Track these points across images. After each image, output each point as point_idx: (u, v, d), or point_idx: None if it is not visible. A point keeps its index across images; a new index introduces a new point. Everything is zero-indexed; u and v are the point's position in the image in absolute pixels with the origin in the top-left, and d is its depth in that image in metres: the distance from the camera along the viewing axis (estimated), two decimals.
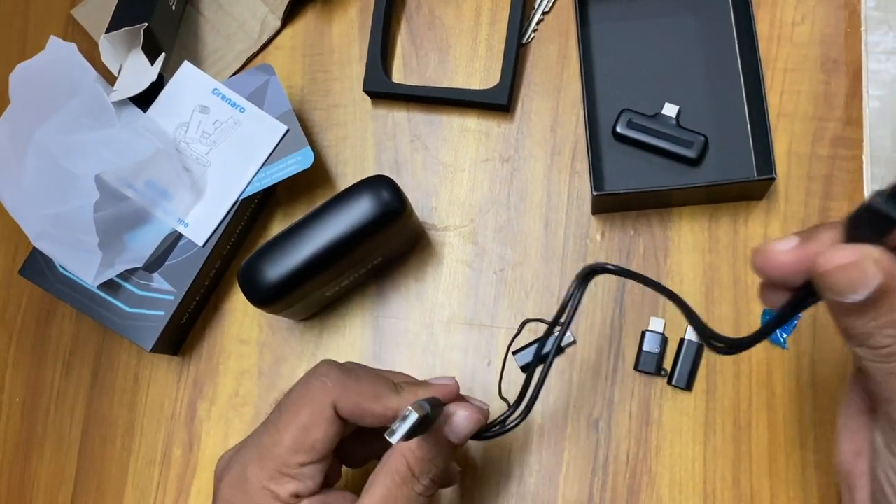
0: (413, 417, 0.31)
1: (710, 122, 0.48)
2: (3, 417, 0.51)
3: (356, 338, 0.50)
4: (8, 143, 0.48)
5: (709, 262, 0.47)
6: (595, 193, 0.46)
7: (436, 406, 0.34)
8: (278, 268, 0.43)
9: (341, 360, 0.49)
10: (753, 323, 0.46)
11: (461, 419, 0.36)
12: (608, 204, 0.48)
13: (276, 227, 0.51)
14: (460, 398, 0.38)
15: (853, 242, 0.26)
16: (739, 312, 0.47)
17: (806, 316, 0.46)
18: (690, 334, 0.46)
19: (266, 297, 0.44)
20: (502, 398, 0.47)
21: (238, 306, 0.51)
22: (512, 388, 0.47)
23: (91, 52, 0.50)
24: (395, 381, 0.37)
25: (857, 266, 0.25)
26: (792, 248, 0.28)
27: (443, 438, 0.36)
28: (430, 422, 0.34)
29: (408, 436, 0.31)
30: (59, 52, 0.48)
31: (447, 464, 0.36)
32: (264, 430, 0.36)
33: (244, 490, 0.35)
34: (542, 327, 0.48)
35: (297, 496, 0.34)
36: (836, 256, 0.26)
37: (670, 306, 0.46)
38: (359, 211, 0.43)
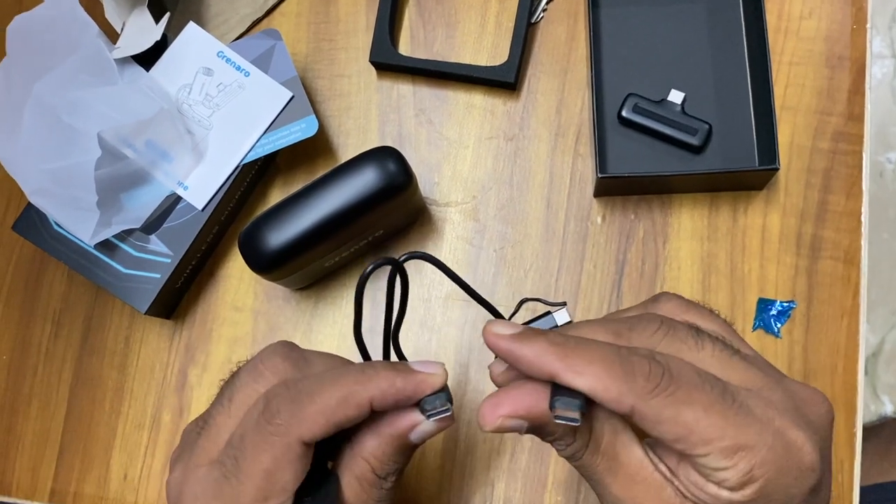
0: (447, 409, 0.31)
1: (714, 111, 0.49)
2: None
3: (352, 309, 0.49)
4: (4, 97, 0.47)
5: (707, 250, 0.48)
6: (599, 176, 0.46)
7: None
8: (281, 234, 0.43)
9: (335, 333, 0.49)
10: (748, 311, 0.47)
11: (426, 426, 0.32)
12: (611, 187, 0.48)
13: (276, 195, 0.51)
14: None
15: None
16: (735, 301, 0.47)
17: (800, 305, 0.47)
18: None
19: (266, 264, 0.43)
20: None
21: (234, 272, 0.50)
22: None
23: (93, 8, 0.49)
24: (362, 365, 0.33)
25: (501, 426, 0.30)
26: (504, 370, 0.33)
27: (406, 439, 0.32)
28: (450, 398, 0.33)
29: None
30: (59, 5, 0.47)
31: (409, 459, 0.33)
32: (222, 479, 0.30)
33: None
34: (540, 306, 0.48)
35: None
36: (484, 420, 0.30)
37: (668, 289, 0.47)
38: (364, 181, 0.43)
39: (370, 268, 0.33)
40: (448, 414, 0.32)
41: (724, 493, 0.28)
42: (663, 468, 0.30)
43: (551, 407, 0.28)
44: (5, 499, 0.49)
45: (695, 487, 0.29)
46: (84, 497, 0.48)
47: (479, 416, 0.30)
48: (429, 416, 0.32)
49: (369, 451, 0.32)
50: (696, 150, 0.48)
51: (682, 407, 0.28)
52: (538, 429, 0.30)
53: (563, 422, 0.28)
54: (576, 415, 0.28)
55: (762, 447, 0.28)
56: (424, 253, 0.35)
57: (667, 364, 0.28)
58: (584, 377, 0.28)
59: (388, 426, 0.32)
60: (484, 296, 0.48)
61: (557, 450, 0.31)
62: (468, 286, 0.35)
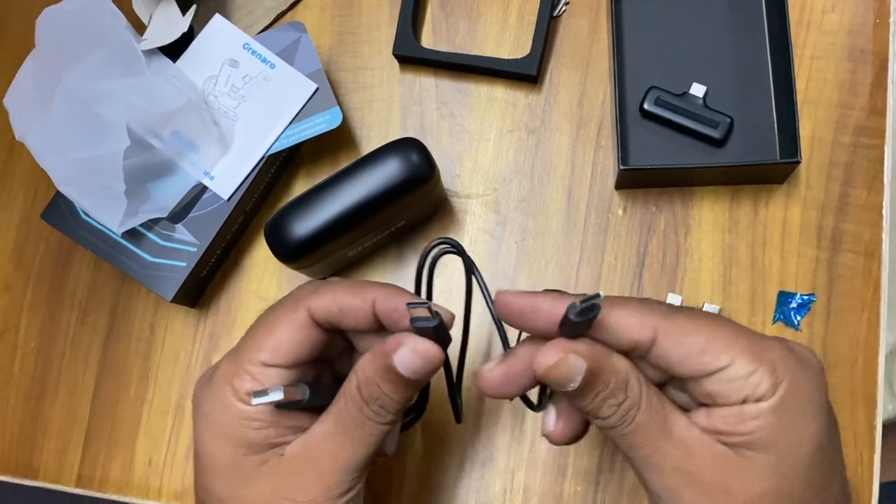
0: (431, 320, 0.31)
1: (735, 104, 0.49)
2: (17, 361, 0.51)
3: None
4: (32, 87, 0.48)
5: (728, 242, 0.48)
6: (621, 168, 0.46)
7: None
8: (306, 224, 0.43)
9: None
10: (769, 303, 0.47)
11: (406, 352, 0.32)
12: (632, 179, 0.48)
13: (300, 186, 0.51)
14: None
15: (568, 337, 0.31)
16: (755, 292, 0.47)
17: (821, 298, 0.47)
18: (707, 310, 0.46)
19: (292, 253, 0.44)
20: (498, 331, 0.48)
21: (258, 262, 0.51)
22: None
23: (120, 0, 0.50)
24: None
25: (563, 361, 0.30)
26: (494, 366, 0.32)
27: (391, 361, 0.32)
28: (444, 331, 0.32)
29: (427, 329, 0.31)
30: None
31: (401, 396, 0.32)
32: (245, 334, 0.35)
33: (211, 384, 0.34)
34: None
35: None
36: (544, 358, 0.30)
37: (689, 282, 0.47)
38: (388, 172, 0.43)
39: (433, 249, 0.34)
40: (432, 325, 0.31)
41: (763, 405, 0.29)
42: (702, 425, 0.30)
43: (566, 315, 0.29)
44: (33, 482, 0.50)
45: (734, 421, 0.30)
46: (110, 482, 0.49)
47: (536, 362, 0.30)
48: (413, 322, 0.31)
49: (359, 366, 0.33)
50: (718, 143, 0.48)
51: (699, 322, 0.30)
52: (587, 390, 0.30)
53: (583, 318, 0.29)
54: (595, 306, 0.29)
55: (775, 349, 0.30)
56: (468, 260, 0.35)
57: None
58: (609, 311, 0.31)
59: (378, 345, 0.32)
60: (505, 286, 0.49)
61: (605, 418, 0.31)
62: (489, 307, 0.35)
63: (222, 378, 0.33)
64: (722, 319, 0.31)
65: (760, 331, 0.45)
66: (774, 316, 0.47)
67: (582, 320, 0.29)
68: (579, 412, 0.33)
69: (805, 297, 0.47)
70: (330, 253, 0.45)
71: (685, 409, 0.32)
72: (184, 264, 0.47)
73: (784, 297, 0.47)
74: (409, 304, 0.32)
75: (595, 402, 0.30)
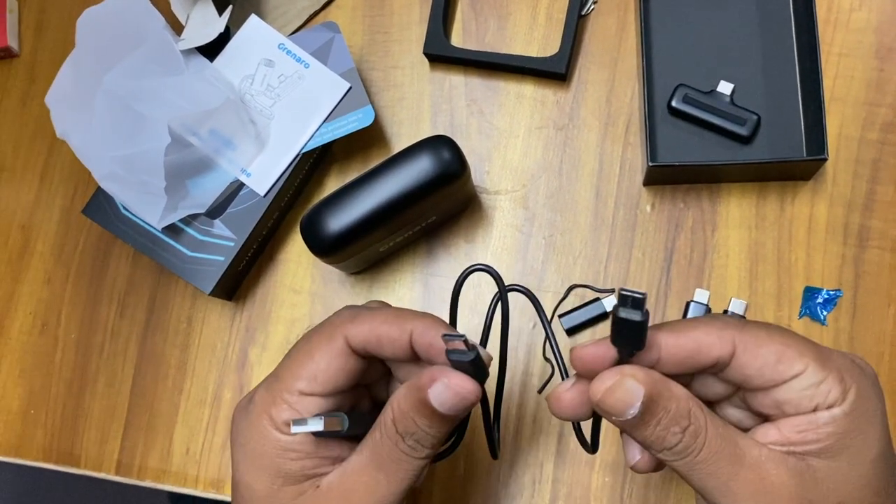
0: (470, 354, 0.30)
1: (763, 102, 0.49)
2: (58, 353, 0.53)
3: (405, 293, 0.51)
4: (73, 86, 0.49)
5: (755, 239, 0.48)
6: (650, 164, 0.46)
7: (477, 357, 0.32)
8: (341, 219, 0.44)
9: None
10: (795, 299, 0.47)
11: (441, 387, 0.31)
12: (661, 176, 0.49)
13: (332, 183, 0.52)
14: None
15: (623, 361, 0.30)
16: (782, 289, 0.48)
17: (846, 294, 0.47)
18: (734, 307, 0.47)
19: (326, 247, 0.45)
20: (546, 359, 0.48)
21: (292, 257, 0.52)
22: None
23: (158, 1, 0.51)
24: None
25: (619, 386, 0.29)
26: (570, 387, 0.32)
27: (426, 396, 0.31)
28: (481, 366, 0.32)
29: (463, 364, 0.30)
30: None
31: (436, 431, 0.32)
32: (282, 362, 0.35)
33: (248, 412, 0.34)
34: (589, 293, 0.49)
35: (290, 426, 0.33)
36: (601, 384, 0.29)
37: (716, 277, 0.48)
38: (420, 169, 0.44)
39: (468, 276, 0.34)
40: (467, 359, 0.31)
41: (835, 411, 0.29)
42: (772, 439, 0.30)
43: (615, 317, 0.29)
44: (74, 470, 0.51)
45: (807, 429, 0.30)
46: (148, 470, 0.51)
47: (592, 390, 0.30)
48: (449, 355, 0.31)
49: (394, 399, 0.32)
50: (745, 140, 0.48)
51: (772, 332, 0.31)
52: (648, 418, 0.29)
53: (626, 315, 0.28)
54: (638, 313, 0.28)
55: (838, 357, 0.30)
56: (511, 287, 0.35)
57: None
58: (686, 332, 0.31)
59: (414, 378, 0.32)
60: (533, 282, 0.49)
61: (671, 448, 0.30)
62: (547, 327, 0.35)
63: (259, 407, 0.33)
64: (787, 329, 0.31)
65: (787, 326, 0.46)
66: (800, 311, 0.47)
67: (629, 319, 0.28)
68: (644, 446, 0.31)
69: (831, 293, 0.47)
70: (363, 248, 0.46)
71: (742, 429, 0.32)
72: (222, 258, 0.48)
73: (810, 293, 0.47)
74: (444, 335, 0.31)
75: (658, 430, 0.30)
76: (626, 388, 0.29)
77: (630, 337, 0.29)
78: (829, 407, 0.30)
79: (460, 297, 0.50)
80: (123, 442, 0.51)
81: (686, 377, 0.33)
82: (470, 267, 0.34)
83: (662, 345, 0.31)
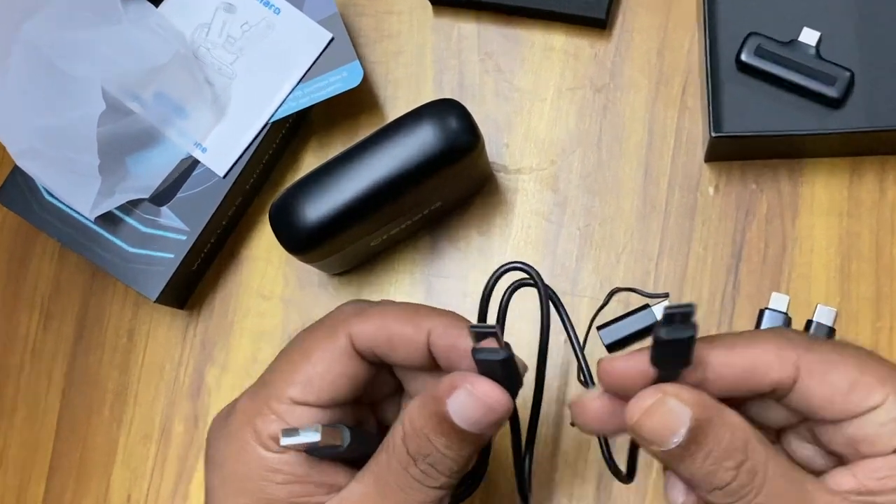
0: (500, 354, 0.30)
1: (857, 55, 0.49)
2: None
3: (402, 299, 0.50)
4: None
5: (846, 228, 0.48)
6: (713, 135, 0.46)
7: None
8: (320, 206, 0.44)
9: None
10: None
11: (463, 396, 0.31)
12: (726, 150, 0.49)
13: (309, 160, 0.52)
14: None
15: (665, 379, 0.30)
16: (881, 292, 0.47)
17: None
18: (821, 315, 0.47)
19: (302, 242, 0.45)
20: (581, 382, 0.48)
21: (260, 254, 0.52)
22: (594, 371, 0.48)
23: None
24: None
25: (660, 406, 0.29)
26: (598, 394, 0.32)
27: (444, 408, 0.31)
28: (513, 370, 0.32)
29: (492, 365, 0.30)
30: None
31: (456, 454, 0.32)
32: (271, 365, 0.35)
33: (227, 424, 0.34)
34: (636, 298, 0.49)
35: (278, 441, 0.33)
36: (638, 404, 0.29)
37: (797, 278, 0.48)
38: (421, 142, 0.44)
39: (500, 276, 0.34)
40: (499, 358, 0.31)
41: None
42: (847, 487, 0.30)
43: (656, 336, 0.29)
44: None
45: (887, 474, 0.30)
46: None
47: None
48: (476, 355, 0.31)
49: (407, 413, 0.32)
50: (835, 104, 0.48)
51: (845, 354, 0.31)
52: (695, 449, 0.29)
53: (675, 336, 0.28)
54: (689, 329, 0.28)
55: None
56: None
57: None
58: (741, 350, 0.31)
59: (430, 388, 0.32)
60: (565, 285, 0.49)
61: (723, 486, 0.29)
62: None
63: (241, 418, 0.33)
64: (868, 351, 0.32)
65: (888, 339, 0.46)
66: None
67: (675, 339, 0.28)
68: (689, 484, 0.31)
69: None
70: (349, 242, 0.46)
71: (812, 470, 0.32)
72: (171, 256, 0.48)
73: None
74: (471, 326, 0.31)
75: (707, 464, 0.29)
76: (668, 409, 0.29)
77: (675, 356, 0.29)
78: None
79: (458, 301, 0.50)
80: (48, 488, 0.51)
81: (738, 402, 0.32)
82: (506, 265, 0.34)
83: (712, 363, 0.31)
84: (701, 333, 0.42)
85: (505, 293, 0.36)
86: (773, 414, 0.33)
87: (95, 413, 0.51)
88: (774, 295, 0.47)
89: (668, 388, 0.30)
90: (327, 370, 0.33)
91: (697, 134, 0.50)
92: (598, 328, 0.48)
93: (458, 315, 0.34)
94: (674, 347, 0.29)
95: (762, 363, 0.31)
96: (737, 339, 0.32)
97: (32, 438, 0.52)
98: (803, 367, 0.31)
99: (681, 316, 0.28)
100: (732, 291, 0.48)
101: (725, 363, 0.31)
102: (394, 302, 0.36)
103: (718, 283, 0.48)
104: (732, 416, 0.30)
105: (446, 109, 0.44)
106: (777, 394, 0.31)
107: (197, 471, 0.50)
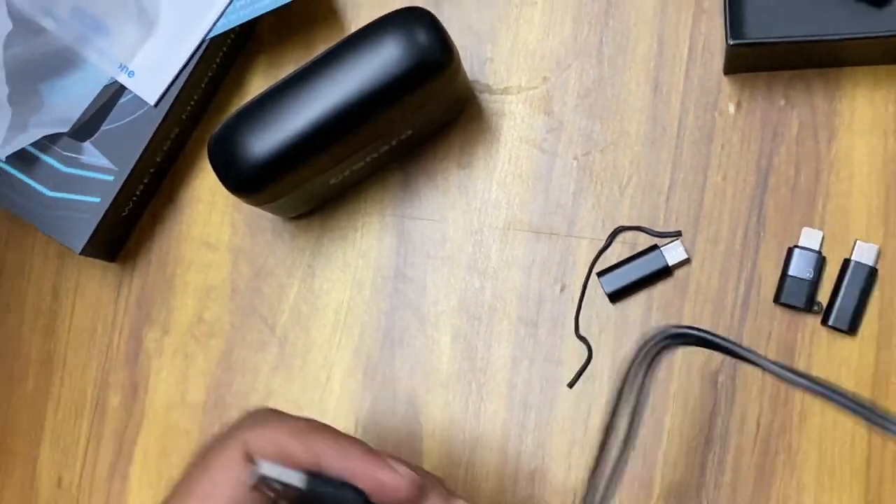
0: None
1: None
2: None
3: (371, 246, 0.52)
4: None
5: (893, 150, 0.49)
6: (731, 42, 0.47)
7: None
8: (268, 138, 0.45)
9: (347, 280, 0.52)
10: None
11: None
12: (749, 59, 0.49)
13: (257, 84, 0.53)
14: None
15: None
16: None
17: None
18: (861, 253, 0.48)
19: (248, 181, 0.46)
20: (580, 338, 0.49)
21: (203, 195, 0.53)
22: (595, 323, 0.50)
23: None
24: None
25: None
26: None
27: None
28: None
29: None
30: None
31: None
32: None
33: None
34: (643, 238, 0.49)
35: None
36: None
37: (833, 210, 0.48)
38: (384, 60, 0.45)
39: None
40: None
41: None
42: None
43: None
44: None
45: None
46: None
47: None
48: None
49: None
50: (878, 2, 0.48)
51: None
52: None
53: None
54: None
55: None
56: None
57: None
58: None
59: None
60: (560, 224, 0.50)
61: None
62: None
63: None
64: None
65: None
66: None
67: None
68: None
69: None
70: (303, 180, 0.47)
71: None
72: (97, 200, 0.49)
73: None
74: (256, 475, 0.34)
75: None
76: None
77: None
78: None
79: (437, 247, 0.51)
80: None
81: None
82: (663, 333, 0.37)
83: None
84: (722, 281, 0.47)
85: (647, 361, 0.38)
86: None
87: (17, 385, 0.53)
88: (805, 230, 0.48)
89: None
90: (222, 486, 0.36)
91: (716, 41, 0.51)
92: (599, 274, 0.50)
93: (356, 441, 0.37)
94: None
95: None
96: None
97: None
98: None
99: None
100: (757, 227, 0.49)
101: None
102: (299, 418, 0.38)
103: (740, 219, 0.49)
104: None
105: (413, 19, 0.45)
106: None
107: (137, 446, 0.52)
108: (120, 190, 0.49)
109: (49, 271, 0.54)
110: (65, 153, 0.49)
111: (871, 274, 0.48)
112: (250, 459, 0.35)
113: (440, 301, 0.51)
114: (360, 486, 0.36)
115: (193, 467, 0.37)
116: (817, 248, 0.48)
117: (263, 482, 0.34)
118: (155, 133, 0.49)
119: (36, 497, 0.52)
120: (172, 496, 0.37)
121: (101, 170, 0.49)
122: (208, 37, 0.49)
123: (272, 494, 0.35)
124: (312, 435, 0.37)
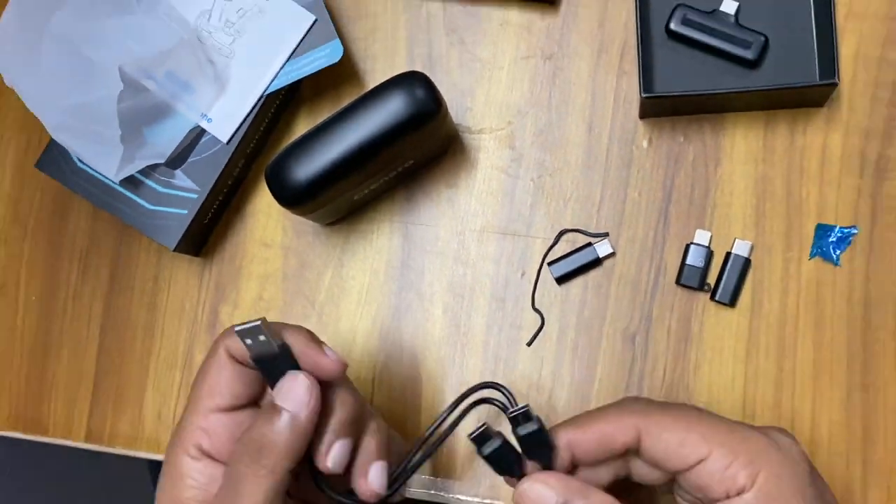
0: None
1: (771, 21, 0.52)
2: (19, 316, 0.59)
3: (383, 244, 0.56)
4: (19, 31, 0.53)
5: (762, 173, 0.52)
6: (644, 95, 0.50)
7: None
8: (308, 166, 0.48)
9: (366, 269, 0.55)
10: (805, 238, 0.52)
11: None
12: (657, 108, 0.52)
13: (301, 126, 0.57)
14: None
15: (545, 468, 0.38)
16: (791, 227, 0.52)
17: (863, 231, 0.51)
18: (738, 248, 0.51)
19: (295, 197, 0.49)
20: (535, 310, 0.53)
21: (262, 208, 0.57)
22: (546, 299, 0.53)
23: None
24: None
25: (530, 491, 0.37)
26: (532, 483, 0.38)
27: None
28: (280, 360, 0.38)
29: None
30: None
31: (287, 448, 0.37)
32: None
33: (167, 453, 0.39)
34: (581, 238, 0.53)
35: (200, 448, 0.38)
36: (517, 489, 0.37)
37: (719, 217, 0.52)
38: (391, 110, 0.48)
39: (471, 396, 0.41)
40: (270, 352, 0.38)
41: (746, 496, 0.34)
42: None
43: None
44: (42, 438, 0.58)
45: None
46: (119, 436, 0.57)
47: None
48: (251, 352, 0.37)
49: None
50: (751, 65, 0.52)
51: (677, 416, 0.36)
52: None
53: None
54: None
55: (754, 439, 0.36)
56: None
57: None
58: (589, 425, 0.38)
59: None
60: (521, 228, 0.54)
61: None
62: None
63: (172, 439, 0.39)
64: (702, 412, 0.37)
65: (796, 267, 0.50)
66: (811, 251, 0.51)
67: (528, 433, 0.38)
68: None
69: (845, 230, 0.51)
70: (335, 196, 0.51)
71: None
72: (185, 212, 0.53)
73: (822, 231, 0.51)
74: (236, 329, 0.37)
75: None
76: (536, 492, 0.36)
77: (537, 446, 0.38)
78: (739, 492, 0.35)
79: (431, 244, 0.54)
80: (92, 408, 0.57)
81: (618, 461, 0.39)
82: (472, 389, 0.40)
83: (571, 442, 0.38)
84: (638, 268, 0.49)
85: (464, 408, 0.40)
86: (648, 473, 0.38)
87: (129, 346, 0.57)
88: (699, 231, 0.52)
89: (539, 475, 0.37)
90: (219, 378, 0.39)
91: (633, 95, 0.54)
92: (549, 264, 0.53)
93: (305, 329, 0.39)
94: (530, 440, 0.37)
95: (608, 433, 0.37)
96: (586, 417, 0.38)
97: (77, 368, 0.57)
98: (642, 429, 0.36)
99: (522, 416, 0.37)
100: (663, 230, 0.53)
101: (582, 440, 0.37)
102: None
103: (651, 223, 0.53)
104: (597, 494, 0.36)
105: (412, 80, 0.48)
106: (630, 454, 0.37)
107: None
108: (202, 204, 0.53)
109: (151, 263, 0.57)
110: (161, 178, 0.53)
111: (746, 263, 0.51)
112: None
113: (434, 284, 0.55)
114: (302, 361, 0.38)
115: (195, 383, 0.40)
116: (707, 244, 0.52)
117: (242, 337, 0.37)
118: (227, 163, 0.53)
119: (143, 427, 0.56)
120: (186, 411, 0.39)
121: (187, 190, 0.53)
122: (265, 94, 0.53)
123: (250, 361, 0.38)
124: (276, 327, 0.39)
